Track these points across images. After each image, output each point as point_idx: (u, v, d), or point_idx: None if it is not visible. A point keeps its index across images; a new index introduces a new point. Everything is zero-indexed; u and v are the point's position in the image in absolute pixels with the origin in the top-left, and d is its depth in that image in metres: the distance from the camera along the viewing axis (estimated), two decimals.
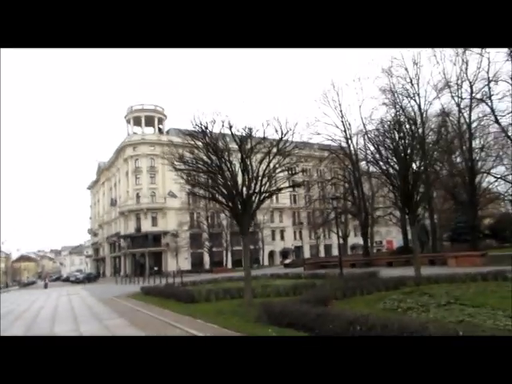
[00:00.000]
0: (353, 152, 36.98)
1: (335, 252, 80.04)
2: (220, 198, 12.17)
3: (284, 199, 77.56)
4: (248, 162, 11.64)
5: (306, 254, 76.13)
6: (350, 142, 36.95)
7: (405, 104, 31.75)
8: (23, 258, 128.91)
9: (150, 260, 64.20)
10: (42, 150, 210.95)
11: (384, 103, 33.39)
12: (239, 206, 11.81)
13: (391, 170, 16.00)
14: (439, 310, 8.09)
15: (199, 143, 11.78)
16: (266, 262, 69.32)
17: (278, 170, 12.19)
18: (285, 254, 75.75)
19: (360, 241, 76.27)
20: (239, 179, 11.95)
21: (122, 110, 76.66)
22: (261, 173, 11.80)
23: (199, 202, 64.11)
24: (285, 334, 7.29)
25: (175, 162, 12.01)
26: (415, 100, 31.94)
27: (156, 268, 60.51)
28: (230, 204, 11.82)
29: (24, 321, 14.08)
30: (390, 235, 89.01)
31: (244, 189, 11.69)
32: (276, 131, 11.62)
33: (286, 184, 13.98)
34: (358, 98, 66.09)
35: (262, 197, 11.92)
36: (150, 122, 70.81)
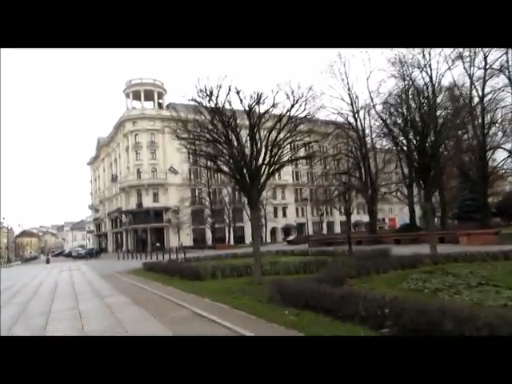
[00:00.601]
0: (360, 126, 35.95)
1: (337, 229, 79.97)
2: (227, 169, 11.36)
3: (286, 176, 76.83)
4: (257, 131, 10.77)
5: (309, 230, 75.71)
6: (357, 115, 35.85)
7: (415, 76, 30.57)
8: (26, 234, 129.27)
9: (152, 236, 63.90)
10: (42, 126, 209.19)
11: (393, 75, 32.20)
12: (247, 179, 11.01)
13: (406, 142, 15.13)
14: (472, 291, 7.36)
15: (204, 111, 10.88)
16: (269, 239, 68.80)
17: (288, 140, 11.32)
18: (287, 230, 75.47)
19: (362, 218, 76.22)
20: (247, 150, 11.12)
21: (121, 84, 75.22)
22: (270, 142, 10.96)
23: (201, 178, 63.51)
24: (303, 316, 6.63)
25: (178, 130, 11.12)
26: (426, 72, 30.72)
27: (158, 244, 60.27)
28: (238, 176, 11.01)
29: (22, 297, 13.49)
30: (393, 213, 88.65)
31: (252, 159, 10.86)
32: (287, 97, 10.70)
33: (298, 155, 13.10)
34: (365, 70, 64.47)
35: (271, 168, 11.11)
36: (149, 96, 69.34)
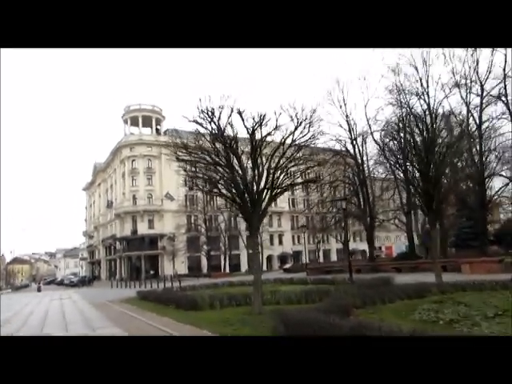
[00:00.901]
0: (358, 153, 35.85)
1: (334, 257, 79.15)
2: (227, 193, 10.97)
3: (282, 203, 76.40)
4: (259, 154, 10.44)
5: (305, 258, 74.66)
6: (354, 142, 35.78)
7: (412, 103, 30.72)
8: (17, 261, 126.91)
9: (146, 263, 62.74)
10: (36, 151, 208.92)
11: (390, 103, 32.36)
12: (248, 204, 10.62)
13: (405, 169, 14.88)
14: (490, 323, 6.91)
15: (205, 132, 10.58)
16: (264, 267, 67.48)
17: (291, 164, 10.99)
18: (283, 258, 74.55)
19: (358, 246, 75.63)
20: (248, 176, 10.77)
21: (119, 110, 75.55)
22: (273, 165, 10.62)
23: (197, 205, 62.97)
24: None
25: (178, 153, 10.77)
26: (424, 99, 30.86)
27: (152, 272, 59.08)
28: (239, 201, 10.62)
29: (12, 327, 12.79)
30: (389, 241, 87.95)
31: (254, 184, 10.50)
32: (291, 119, 10.41)
33: (298, 180, 12.66)
34: (363, 98, 64.83)
35: (273, 193, 10.74)
36: (147, 122, 69.50)
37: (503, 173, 32.36)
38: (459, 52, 29.11)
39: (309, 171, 13.21)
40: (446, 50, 29.21)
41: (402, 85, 31.57)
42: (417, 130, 13.87)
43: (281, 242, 76.11)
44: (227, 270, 60.88)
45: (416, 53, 30.31)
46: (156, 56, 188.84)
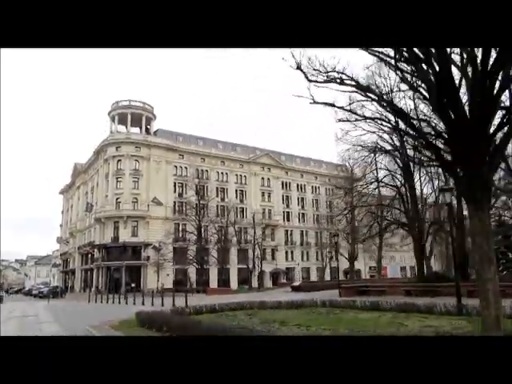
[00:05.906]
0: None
1: (327, 276, 73.85)
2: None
3: (277, 216, 71.52)
4: None
5: (300, 276, 69.71)
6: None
7: None
8: None
9: (127, 275, 56.18)
10: (9, 150, 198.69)
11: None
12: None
13: None
14: None
15: None
16: (255, 284, 60.85)
17: None
18: (275, 275, 69.06)
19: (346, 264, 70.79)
20: None
21: (103, 109, 69.48)
22: None
23: (186, 213, 57.14)
24: None
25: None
26: None
27: (133, 284, 52.77)
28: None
29: None
30: (384, 261, 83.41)
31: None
32: None
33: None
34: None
35: None
36: (136, 121, 63.44)
37: None
38: None
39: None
40: None
41: None
42: None
43: (273, 258, 70.33)
44: (215, 285, 55.43)
45: None
46: (144, 54, 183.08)
